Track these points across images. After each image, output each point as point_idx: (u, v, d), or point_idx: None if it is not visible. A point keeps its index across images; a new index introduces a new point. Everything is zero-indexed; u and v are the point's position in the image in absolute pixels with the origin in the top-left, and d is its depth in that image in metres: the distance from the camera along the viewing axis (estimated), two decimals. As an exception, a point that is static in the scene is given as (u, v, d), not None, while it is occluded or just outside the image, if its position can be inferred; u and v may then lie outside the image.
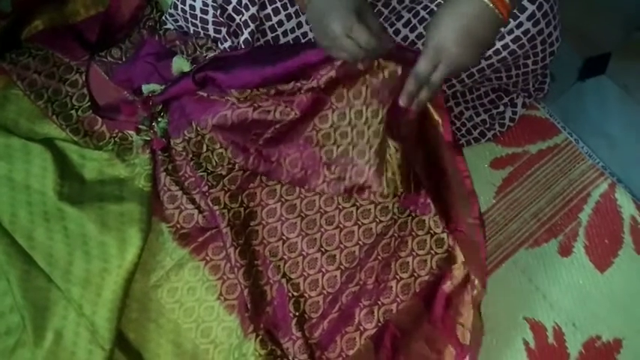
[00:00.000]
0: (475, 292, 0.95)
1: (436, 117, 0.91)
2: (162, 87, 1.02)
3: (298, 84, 0.92)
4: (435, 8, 0.95)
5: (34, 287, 0.90)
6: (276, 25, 0.97)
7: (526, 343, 1.05)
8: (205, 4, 0.98)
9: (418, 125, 0.94)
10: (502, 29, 0.92)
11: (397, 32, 0.96)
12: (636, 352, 1.05)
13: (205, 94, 0.97)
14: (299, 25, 0.98)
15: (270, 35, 0.98)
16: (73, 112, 1.04)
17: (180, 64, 1.03)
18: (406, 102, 0.81)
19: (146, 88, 1.02)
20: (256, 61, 0.94)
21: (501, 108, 1.16)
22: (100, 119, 1.03)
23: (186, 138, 0.99)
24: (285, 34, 0.98)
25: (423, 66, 0.78)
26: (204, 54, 1.05)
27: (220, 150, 0.99)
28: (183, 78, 0.99)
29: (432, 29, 0.77)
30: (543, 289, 1.09)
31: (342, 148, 0.97)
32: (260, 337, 0.91)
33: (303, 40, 0.99)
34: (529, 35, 0.94)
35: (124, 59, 1.08)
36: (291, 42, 0.99)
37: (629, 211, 1.15)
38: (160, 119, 1.02)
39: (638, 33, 1.33)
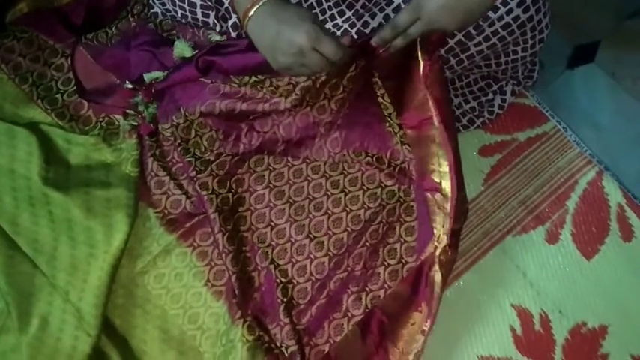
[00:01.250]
0: (439, 250, 0.94)
1: (420, 58, 0.88)
2: (165, 73, 1.00)
3: (293, 81, 0.92)
4: None
5: (18, 272, 0.89)
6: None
7: (512, 330, 1.06)
8: (193, -13, 0.97)
9: (399, 63, 0.93)
10: (492, 15, 0.92)
11: (387, 17, 0.95)
12: (621, 338, 1.06)
13: (208, 81, 0.96)
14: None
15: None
16: (58, 96, 1.02)
17: (181, 48, 1.01)
18: (378, 43, 0.84)
19: (148, 77, 1.01)
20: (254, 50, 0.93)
21: (490, 95, 1.16)
22: (86, 103, 1.02)
23: (175, 123, 0.98)
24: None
25: (402, 18, 0.80)
26: (207, 34, 1.03)
27: (210, 133, 0.98)
28: (186, 64, 0.98)
29: None
30: (530, 276, 1.09)
31: (337, 98, 0.96)
32: (248, 323, 0.91)
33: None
34: (519, 22, 0.94)
35: (109, 45, 1.07)
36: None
37: (615, 199, 1.15)
38: (149, 104, 1.01)
39: (627, 21, 1.33)
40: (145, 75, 1.01)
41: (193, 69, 0.96)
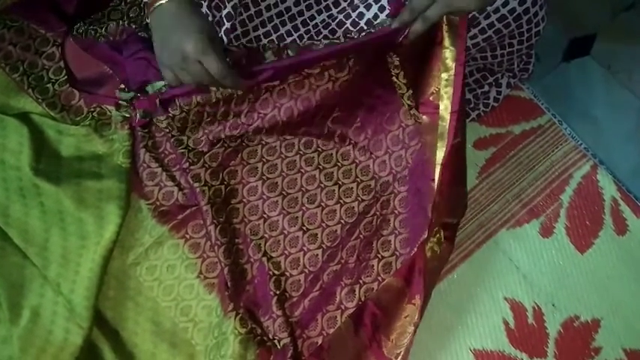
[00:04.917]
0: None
1: (447, 42, 0.87)
2: (165, 84, 0.99)
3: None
4: None
5: (9, 264, 0.89)
6: (259, -1, 0.95)
7: (506, 323, 1.06)
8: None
9: (419, 50, 0.92)
10: (488, 7, 0.92)
11: (382, 9, 0.94)
12: (613, 332, 1.06)
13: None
14: (282, -1, 0.96)
15: (253, 9, 0.96)
16: (49, 85, 1.01)
17: None
18: (398, 26, 0.83)
19: (152, 87, 0.99)
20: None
21: (486, 88, 1.16)
22: (77, 93, 1.01)
23: (171, 115, 0.97)
24: (268, 8, 0.96)
25: (418, 0, 0.79)
26: None
27: (209, 119, 0.97)
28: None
29: None
30: (524, 269, 1.09)
31: (342, 81, 0.94)
32: (240, 315, 0.91)
33: (286, 15, 0.97)
34: (515, 14, 0.93)
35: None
36: (274, 17, 0.97)
37: (610, 193, 1.15)
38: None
39: (623, 14, 1.33)
40: (148, 87, 0.99)
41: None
